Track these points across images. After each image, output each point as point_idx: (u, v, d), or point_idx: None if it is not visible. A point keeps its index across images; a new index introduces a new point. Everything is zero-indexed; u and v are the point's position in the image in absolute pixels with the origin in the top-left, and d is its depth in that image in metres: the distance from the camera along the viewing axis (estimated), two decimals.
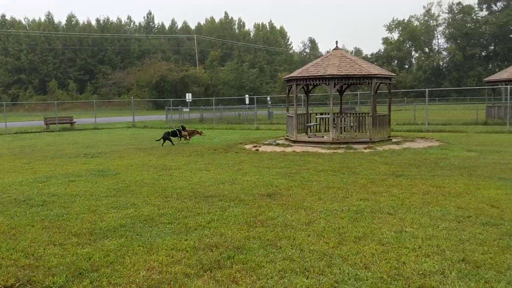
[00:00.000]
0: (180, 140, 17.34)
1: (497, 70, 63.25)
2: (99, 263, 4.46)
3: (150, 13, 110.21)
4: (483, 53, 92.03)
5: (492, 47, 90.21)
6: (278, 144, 15.39)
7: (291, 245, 4.82)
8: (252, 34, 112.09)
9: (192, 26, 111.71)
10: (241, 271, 4.18)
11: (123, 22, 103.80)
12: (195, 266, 4.32)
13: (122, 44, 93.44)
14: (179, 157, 12.63)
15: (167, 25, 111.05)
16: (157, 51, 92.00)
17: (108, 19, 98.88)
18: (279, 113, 41.27)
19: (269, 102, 43.27)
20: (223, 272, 4.16)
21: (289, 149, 14.07)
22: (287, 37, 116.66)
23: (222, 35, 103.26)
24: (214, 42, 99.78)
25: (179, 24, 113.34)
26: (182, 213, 6.28)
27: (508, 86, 22.22)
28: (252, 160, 11.62)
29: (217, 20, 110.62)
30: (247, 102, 41.14)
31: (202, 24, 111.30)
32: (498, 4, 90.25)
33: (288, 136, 16.77)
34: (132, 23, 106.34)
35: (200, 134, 18.26)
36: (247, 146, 15.14)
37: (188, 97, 38.46)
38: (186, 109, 38.69)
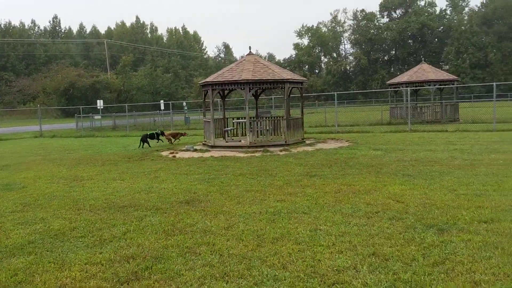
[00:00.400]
0: (158, 142, 18.17)
1: (398, 73, 67.96)
2: (5, 284, 4.16)
3: (56, 17, 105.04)
4: (386, 58, 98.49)
5: (393, 51, 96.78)
6: (195, 150, 15.30)
7: (211, 251, 4.82)
8: (165, 38, 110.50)
9: (102, 30, 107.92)
10: (160, 281, 4.11)
11: (26, 27, 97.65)
12: (111, 280, 4.18)
13: (26, 50, 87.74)
14: (91, 167, 12.11)
15: (74, 29, 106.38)
16: (65, 57, 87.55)
17: (10, 23, 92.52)
18: (196, 118, 41.04)
19: (185, 108, 42.90)
20: (141, 284, 4.06)
21: (207, 155, 14.05)
22: (201, 41, 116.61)
23: (134, 40, 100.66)
24: (125, 47, 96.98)
25: (88, 29, 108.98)
26: (95, 226, 6.04)
27: (408, 88, 23.98)
28: (169, 167, 11.45)
29: (128, 24, 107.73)
30: (162, 107, 40.47)
31: (112, 28, 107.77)
32: (398, 11, 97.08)
33: (205, 141, 16.74)
34: (36, 28, 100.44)
35: (184, 135, 19.27)
36: (164, 153, 14.88)
37: (100, 104, 37.01)
38: (97, 116, 37.20)
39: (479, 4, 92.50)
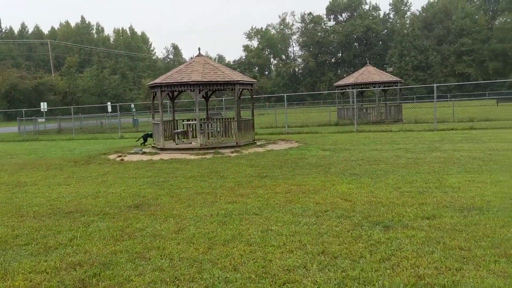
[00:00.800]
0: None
1: (345, 75, 69.71)
2: None
3: None
4: (333, 60, 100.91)
5: (340, 54, 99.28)
6: (144, 153, 15.03)
7: (161, 255, 4.75)
8: (112, 39, 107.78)
9: (45, 30, 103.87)
10: (108, 287, 4.00)
11: None
12: None
13: None
14: (35, 172, 11.61)
15: (16, 29, 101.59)
16: (5, 58, 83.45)
17: None
18: (145, 120, 40.30)
19: (134, 110, 42.04)
20: None
21: (156, 157, 13.82)
22: (150, 42, 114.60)
23: (79, 40, 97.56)
24: (70, 48, 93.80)
25: (30, 28, 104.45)
26: (40, 233, 5.79)
27: (354, 90, 24.69)
28: (117, 171, 11.18)
29: (73, 24, 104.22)
30: (109, 110, 39.44)
31: (56, 28, 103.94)
32: (344, 15, 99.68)
33: (155, 144, 16.47)
34: None
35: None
36: (111, 156, 14.51)
37: (43, 106, 35.57)
38: (41, 120, 35.73)
39: (420, 9, 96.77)
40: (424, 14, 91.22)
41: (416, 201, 6.52)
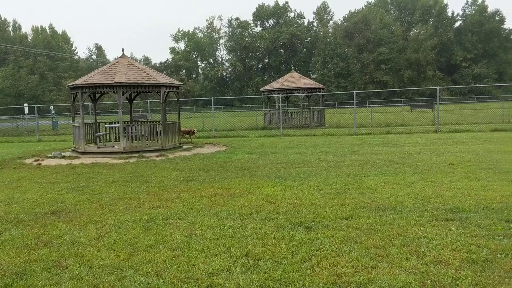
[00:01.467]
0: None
1: (271, 80, 71.02)
2: None
3: None
4: (260, 65, 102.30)
5: (267, 60, 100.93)
6: (64, 157, 14.33)
7: (79, 263, 4.56)
8: (30, 37, 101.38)
9: None
10: None
11: None
12: None
13: None
14: None
15: None
16: None
17: None
18: (65, 123, 38.45)
19: (53, 111, 39.92)
20: None
21: (76, 161, 13.24)
22: (71, 42, 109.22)
23: None
24: None
25: None
26: None
27: (280, 95, 25.22)
28: (34, 176, 10.56)
29: None
30: (26, 111, 37.12)
31: None
32: (270, 21, 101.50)
33: (75, 147, 15.76)
34: None
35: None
36: (28, 161, 13.68)
37: None
38: None
39: (342, 18, 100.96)
40: (345, 24, 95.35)
41: (336, 202, 6.79)
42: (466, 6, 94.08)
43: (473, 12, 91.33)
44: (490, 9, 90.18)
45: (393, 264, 4.29)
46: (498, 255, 4.42)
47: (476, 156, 11.38)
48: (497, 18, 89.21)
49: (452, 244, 4.76)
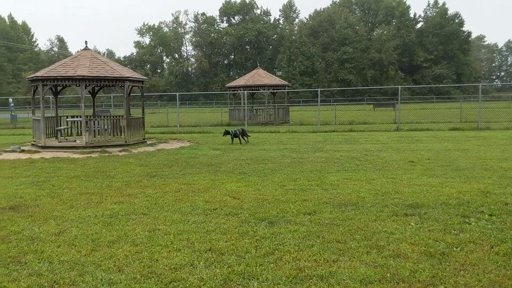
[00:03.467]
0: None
1: (237, 77, 70.97)
2: None
3: None
4: (225, 61, 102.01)
5: (232, 56, 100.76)
6: (23, 151, 13.90)
7: (39, 259, 4.46)
8: None
9: None
10: None
11: None
12: None
13: None
14: None
15: None
16: None
17: None
18: (24, 116, 37.27)
19: (12, 104, 38.57)
20: None
21: (36, 156, 12.87)
22: (32, 33, 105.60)
23: None
24: None
25: None
26: None
27: (245, 92, 25.25)
28: None
29: None
30: None
31: None
32: (236, 17, 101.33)
33: (35, 141, 15.32)
34: None
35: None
36: None
37: None
38: None
39: (307, 17, 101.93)
40: (311, 22, 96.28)
41: (299, 197, 6.89)
42: (427, 8, 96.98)
43: (434, 14, 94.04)
44: (450, 11, 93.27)
45: (354, 257, 4.40)
46: (454, 248, 4.61)
47: (435, 154, 11.77)
48: (456, 20, 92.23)
49: (410, 238, 4.93)
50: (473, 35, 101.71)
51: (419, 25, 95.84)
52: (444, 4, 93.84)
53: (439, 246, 4.66)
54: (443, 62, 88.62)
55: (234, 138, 15.50)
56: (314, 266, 4.21)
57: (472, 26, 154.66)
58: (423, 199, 6.67)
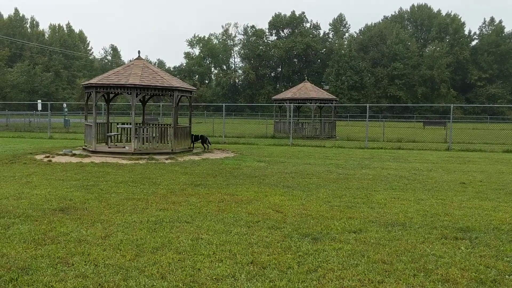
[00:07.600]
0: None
1: (283, 89, 71.09)
2: None
3: None
4: (272, 74, 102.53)
5: (280, 69, 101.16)
6: (74, 155, 14.42)
7: (85, 261, 4.56)
8: (47, 35, 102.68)
9: None
10: None
11: None
12: None
13: None
14: None
15: None
16: None
17: None
18: (77, 121, 38.82)
19: (66, 109, 40.27)
20: None
21: (87, 160, 13.31)
22: (87, 42, 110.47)
23: (11, 33, 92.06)
24: (1, 40, 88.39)
25: None
26: None
27: (292, 105, 25.20)
28: (44, 172, 10.64)
29: (5, 16, 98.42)
30: (39, 108, 37.48)
31: None
32: (285, 31, 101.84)
33: (86, 146, 15.86)
34: None
35: None
36: (39, 157, 13.78)
37: None
38: None
39: (358, 31, 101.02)
40: (361, 37, 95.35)
41: (345, 215, 6.74)
42: (483, 25, 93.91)
43: (490, 32, 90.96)
44: (507, 30, 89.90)
45: (400, 280, 4.24)
46: (507, 276, 4.36)
47: (488, 176, 11.25)
48: None
49: (460, 263, 4.70)
50: None
51: (473, 43, 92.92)
52: (500, 22, 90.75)
53: (490, 273, 4.42)
54: (498, 81, 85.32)
55: (195, 142, 17.18)
56: (358, 286, 4.09)
57: None
58: (474, 223, 6.37)
